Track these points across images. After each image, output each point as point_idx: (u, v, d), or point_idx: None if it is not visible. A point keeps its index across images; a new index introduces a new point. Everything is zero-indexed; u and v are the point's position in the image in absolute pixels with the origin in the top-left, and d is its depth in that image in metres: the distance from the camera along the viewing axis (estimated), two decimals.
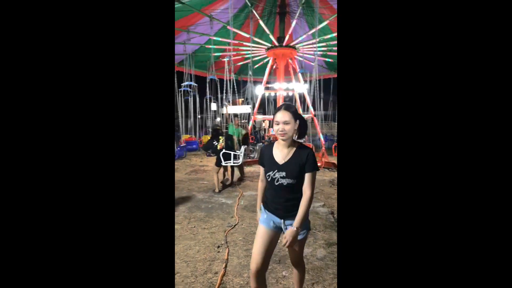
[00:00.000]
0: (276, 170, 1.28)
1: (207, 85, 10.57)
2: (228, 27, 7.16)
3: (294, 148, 1.29)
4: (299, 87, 8.63)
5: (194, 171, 6.11)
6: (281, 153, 1.31)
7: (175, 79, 8.80)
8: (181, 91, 9.81)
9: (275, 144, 1.34)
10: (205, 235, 2.63)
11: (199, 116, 11.08)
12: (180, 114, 9.27)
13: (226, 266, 2.05)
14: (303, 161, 1.24)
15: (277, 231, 1.36)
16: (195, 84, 10.25)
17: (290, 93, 9.73)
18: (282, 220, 1.31)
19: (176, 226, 2.87)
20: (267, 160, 1.34)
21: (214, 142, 4.33)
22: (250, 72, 7.17)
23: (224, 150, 4.15)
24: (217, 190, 4.17)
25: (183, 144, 8.18)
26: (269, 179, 1.31)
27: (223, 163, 4.18)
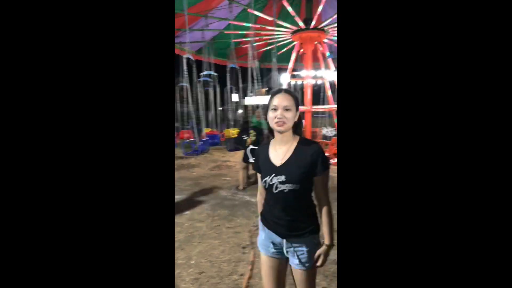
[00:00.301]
0: (273, 174, 1.07)
1: (228, 74, 10.67)
2: (249, 10, 7.11)
3: (295, 144, 1.08)
4: (329, 74, 8.37)
5: (216, 167, 6.27)
6: (277, 152, 1.10)
7: (195, 69, 8.95)
8: (200, 81, 9.97)
9: (271, 143, 1.15)
10: (230, 235, 2.71)
11: (220, 108, 11.22)
12: (200, 106, 9.45)
13: (252, 268, 2.10)
14: (308, 161, 1.03)
15: (280, 259, 1.15)
16: (215, 74, 10.37)
17: (319, 81, 9.49)
18: (284, 241, 1.10)
19: (199, 224, 2.99)
20: (262, 163, 1.15)
21: (243, 137, 4.21)
22: (274, 59, 7.08)
23: (251, 146, 4.03)
24: (241, 187, 4.24)
25: (205, 138, 8.35)
26: (266, 187, 1.11)
27: (251, 160, 4.08)
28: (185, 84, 8.81)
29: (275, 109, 1.06)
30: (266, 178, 1.10)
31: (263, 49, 10.90)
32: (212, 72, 10.07)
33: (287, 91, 1.09)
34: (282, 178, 1.06)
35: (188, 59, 8.68)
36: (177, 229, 2.88)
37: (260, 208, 1.24)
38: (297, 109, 1.08)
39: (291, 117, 1.05)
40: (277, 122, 1.05)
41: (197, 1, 7.30)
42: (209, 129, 11.02)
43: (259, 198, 1.26)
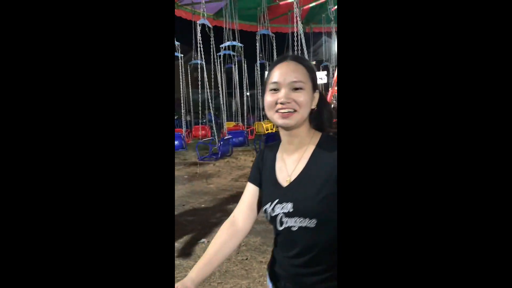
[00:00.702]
0: (276, 200, 0.91)
1: (258, 44, 10.66)
2: None
3: (313, 147, 0.91)
4: None
5: (243, 176, 6.30)
6: (286, 163, 0.95)
7: (213, 39, 9.11)
8: (220, 56, 10.08)
9: (280, 145, 1.00)
10: (263, 272, 2.69)
11: (248, 93, 11.28)
12: (221, 91, 9.56)
13: None
14: (333, 176, 0.82)
15: None
16: (241, 45, 10.46)
17: None
18: None
19: None
20: (265, 177, 1.00)
21: None
22: (331, 16, 6.86)
23: None
24: None
25: (227, 136, 8.43)
26: (268, 219, 0.95)
27: None
28: (200, 61, 8.98)
29: (275, 90, 0.88)
30: (267, 206, 0.94)
31: (309, 5, 10.69)
32: (236, 43, 10.15)
33: (295, 58, 0.92)
34: (289, 207, 0.88)
35: (203, 25, 8.83)
36: (189, 263, 2.92)
37: (215, 244, 1.00)
38: (314, 87, 0.91)
39: (304, 101, 0.86)
40: (279, 111, 0.87)
41: None
42: (233, 123, 11.16)
43: (225, 228, 1.03)
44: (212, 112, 8.78)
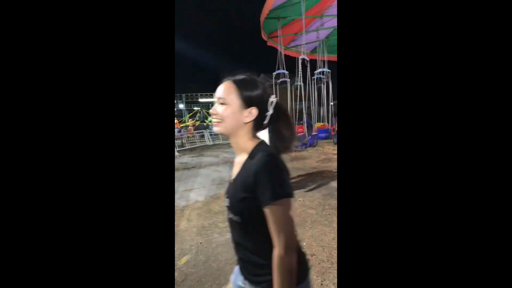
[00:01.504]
0: (227, 194, 0.76)
1: None
2: None
3: (246, 155, 0.71)
4: None
5: (327, 159, 6.11)
6: (234, 164, 0.77)
7: (309, 68, 8.93)
8: (314, 79, 9.88)
9: None
10: None
11: (332, 103, 10.74)
12: (312, 102, 9.40)
13: None
14: (250, 181, 0.64)
15: None
16: (328, 70, 9.99)
17: None
18: (247, 282, 0.76)
19: (311, 211, 3.01)
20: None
21: None
22: None
23: None
24: None
25: (314, 133, 8.30)
26: None
27: None
28: (300, 83, 8.99)
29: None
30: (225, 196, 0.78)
31: None
32: (325, 69, 9.74)
33: (232, 79, 0.71)
34: (227, 202, 0.72)
35: (303, 59, 8.78)
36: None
37: None
38: (247, 104, 0.69)
39: (226, 114, 0.68)
40: (214, 123, 0.72)
41: (314, 3, 7.18)
42: (321, 124, 10.81)
43: None
44: (305, 116, 8.71)
